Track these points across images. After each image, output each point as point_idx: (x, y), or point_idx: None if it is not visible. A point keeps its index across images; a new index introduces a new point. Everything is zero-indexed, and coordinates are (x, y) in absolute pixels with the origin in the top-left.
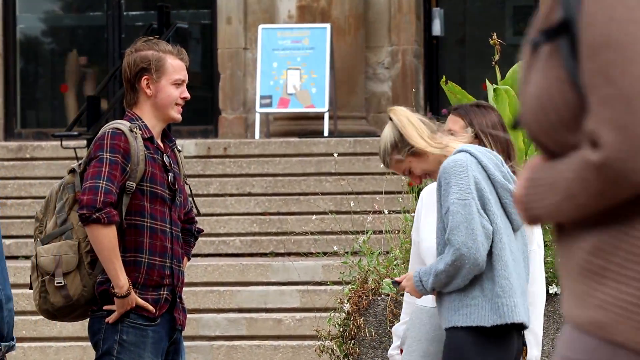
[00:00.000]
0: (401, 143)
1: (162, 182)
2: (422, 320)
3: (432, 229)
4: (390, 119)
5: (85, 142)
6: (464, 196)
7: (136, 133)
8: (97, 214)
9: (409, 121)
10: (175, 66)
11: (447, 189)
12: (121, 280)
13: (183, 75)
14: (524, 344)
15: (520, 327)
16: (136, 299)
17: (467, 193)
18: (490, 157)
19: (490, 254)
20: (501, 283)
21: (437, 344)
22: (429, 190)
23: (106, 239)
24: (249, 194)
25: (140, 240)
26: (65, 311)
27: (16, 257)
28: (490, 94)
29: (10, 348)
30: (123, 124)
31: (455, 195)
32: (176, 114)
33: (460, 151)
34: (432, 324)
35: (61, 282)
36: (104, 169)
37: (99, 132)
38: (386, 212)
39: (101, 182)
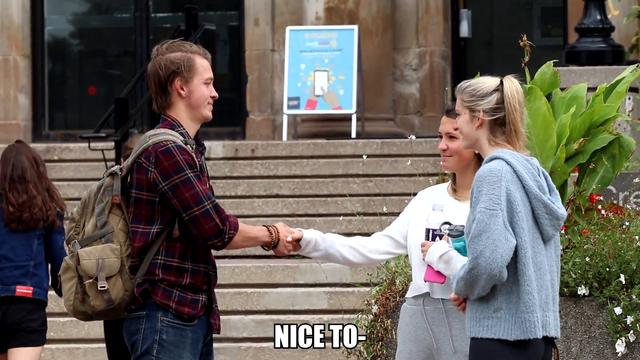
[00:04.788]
0: (475, 104)
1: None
2: (404, 321)
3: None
4: (502, 83)
5: (113, 143)
6: (493, 206)
7: (192, 147)
8: (227, 237)
9: (520, 107)
10: (205, 65)
11: (478, 197)
12: (261, 237)
13: (211, 73)
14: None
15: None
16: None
17: (496, 204)
18: (527, 166)
19: (515, 268)
20: (525, 299)
21: (419, 343)
22: (425, 194)
23: (245, 242)
24: (277, 196)
25: (187, 249)
26: (103, 313)
27: None
28: None
29: None
30: (174, 135)
31: (484, 205)
32: (209, 112)
33: (496, 158)
34: (413, 325)
35: (104, 286)
36: (198, 190)
37: (151, 142)
38: None
39: (207, 203)
